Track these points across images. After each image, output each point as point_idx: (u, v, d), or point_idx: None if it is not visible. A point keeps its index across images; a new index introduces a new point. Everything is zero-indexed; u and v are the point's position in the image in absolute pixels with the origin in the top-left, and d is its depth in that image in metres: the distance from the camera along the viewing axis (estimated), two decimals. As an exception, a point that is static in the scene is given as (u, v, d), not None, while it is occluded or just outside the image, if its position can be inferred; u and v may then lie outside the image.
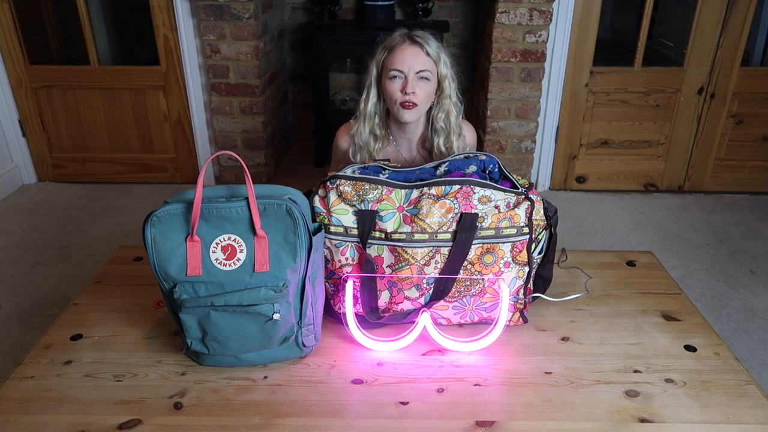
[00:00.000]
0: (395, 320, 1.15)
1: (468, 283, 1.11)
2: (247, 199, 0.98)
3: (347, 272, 1.13)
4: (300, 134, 3.60)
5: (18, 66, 2.93)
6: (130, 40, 3.49)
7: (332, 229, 1.11)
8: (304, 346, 1.08)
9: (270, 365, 1.08)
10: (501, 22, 2.63)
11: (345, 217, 1.11)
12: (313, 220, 1.12)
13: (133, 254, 1.42)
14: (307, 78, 3.45)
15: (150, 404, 0.99)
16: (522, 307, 1.17)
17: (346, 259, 1.13)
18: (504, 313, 1.11)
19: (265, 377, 1.05)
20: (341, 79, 3.46)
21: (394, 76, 1.36)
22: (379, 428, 0.94)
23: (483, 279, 1.11)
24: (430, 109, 1.45)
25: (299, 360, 1.09)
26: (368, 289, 1.13)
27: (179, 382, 1.04)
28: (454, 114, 1.44)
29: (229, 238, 0.99)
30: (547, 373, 1.06)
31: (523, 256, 1.12)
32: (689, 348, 1.12)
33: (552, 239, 1.16)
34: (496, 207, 1.09)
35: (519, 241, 1.10)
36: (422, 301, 1.14)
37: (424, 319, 1.11)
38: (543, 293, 1.24)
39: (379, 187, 1.10)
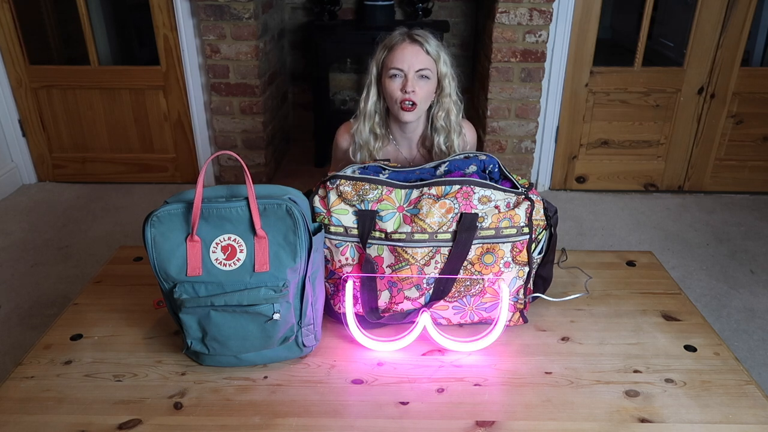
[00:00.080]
0: (395, 320, 1.15)
1: (468, 283, 1.11)
2: (247, 199, 0.98)
3: (347, 272, 1.13)
4: (300, 134, 3.60)
5: (18, 66, 2.94)
6: (130, 40, 3.49)
7: (332, 229, 1.11)
8: (304, 346, 1.08)
9: (270, 365, 1.08)
10: (501, 22, 2.63)
11: (345, 217, 1.11)
12: (313, 220, 1.12)
13: (133, 254, 1.42)
14: (307, 78, 3.45)
15: (150, 404, 0.99)
16: (522, 307, 1.17)
17: (346, 259, 1.13)
18: (504, 313, 1.11)
19: (265, 377, 1.05)
20: (341, 79, 3.46)
21: (394, 75, 1.36)
22: (379, 428, 0.94)
23: (483, 279, 1.11)
24: (431, 107, 1.45)
25: (299, 360, 1.09)
26: (368, 289, 1.13)
27: (179, 382, 1.04)
28: (454, 112, 1.44)
29: (229, 238, 0.99)
30: (547, 373, 1.06)
31: (523, 256, 1.12)
32: (689, 348, 1.12)
33: (552, 239, 1.16)
34: (496, 207, 1.09)
35: (519, 241, 1.10)
36: (422, 301, 1.14)
37: (424, 319, 1.11)
38: (543, 293, 1.24)
39: (379, 187, 1.10)
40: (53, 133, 3.10)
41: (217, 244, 0.99)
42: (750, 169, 3.03)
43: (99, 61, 2.94)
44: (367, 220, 1.09)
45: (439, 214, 1.07)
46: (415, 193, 1.10)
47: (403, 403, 0.99)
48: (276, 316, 0.98)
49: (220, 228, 0.99)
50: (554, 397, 1.00)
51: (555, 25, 2.71)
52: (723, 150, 3.01)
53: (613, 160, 3.04)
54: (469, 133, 1.52)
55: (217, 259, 0.99)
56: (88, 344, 1.13)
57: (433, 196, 1.08)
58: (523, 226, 1.10)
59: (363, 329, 1.13)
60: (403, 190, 1.10)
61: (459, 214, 1.07)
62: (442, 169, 1.15)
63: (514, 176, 1.15)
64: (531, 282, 1.17)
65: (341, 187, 1.10)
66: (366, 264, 1.10)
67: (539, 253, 1.16)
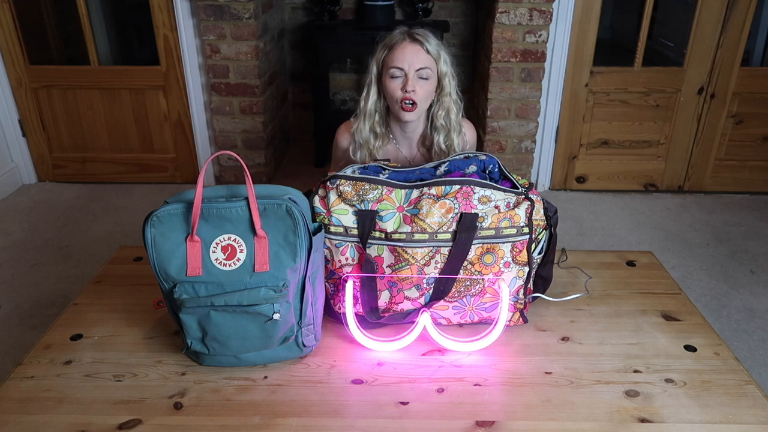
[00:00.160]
0: (395, 320, 1.15)
1: (468, 283, 1.11)
2: (247, 199, 0.98)
3: (347, 272, 1.13)
4: (300, 134, 3.60)
5: (18, 66, 2.94)
6: (130, 40, 3.49)
7: (332, 229, 1.11)
8: (304, 346, 1.08)
9: (270, 365, 1.08)
10: (501, 22, 2.63)
11: (345, 217, 1.11)
12: (313, 220, 1.12)
13: (133, 254, 1.42)
14: (307, 78, 3.45)
15: (150, 404, 0.99)
16: (522, 307, 1.17)
17: (346, 259, 1.13)
18: (504, 313, 1.11)
19: (265, 377, 1.05)
20: (341, 79, 3.46)
21: (395, 75, 1.37)
22: (379, 428, 0.94)
23: (483, 279, 1.11)
24: (431, 106, 1.45)
25: (299, 360, 1.09)
26: (368, 289, 1.13)
27: (179, 382, 1.04)
28: (454, 111, 1.44)
29: (229, 238, 0.99)
30: (547, 373, 1.06)
31: (523, 256, 1.12)
32: (689, 348, 1.12)
33: (552, 239, 1.16)
34: (496, 207, 1.09)
35: (519, 241, 1.10)
36: (422, 301, 1.14)
37: (424, 319, 1.11)
38: (543, 293, 1.24)
39: (379, 187, 1.10)
40: (53, 133, 3.10)
41: (217, 244, 0.99)
42: (750, 169, 3.03)
43: (99, 61, 2.94)
44: (367, 220, 1.09)
45: (439, 214, 1.07)
46: (415, 193, 1.09)
47: (403, 403, 0.99)
48: (276, 316, 0.98)
49: (220, 228, 0.99)
50: (554, 397, 1.00)
51: (555, 25, 2.71)
52: (723, 150, 3.01)
53: (613, 160, 3.04)
54: (469, 132, 1.52)
55: (217, 259, 0.99)
56: (88, 344, 1.13)
57: (433, 196, 1.08)
58: (523, 226, 1.10)
59: (363, 329, 1.13)
60: (403, 190, 1.10)
61: (459, 214, 1.07)
62: (442, 169, 1.15)
63: (514, 176, 1.15)
64: (531, 282, 1.17)
65: (341, 187, 1.10)
66: (366, 264, 1.10)
67: (539, 253, 1.16)
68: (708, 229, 2.72)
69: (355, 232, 1.11)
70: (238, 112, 2.88)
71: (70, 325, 1.18)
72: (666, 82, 2.87)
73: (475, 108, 3.14)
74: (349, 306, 1.12)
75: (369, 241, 1.10)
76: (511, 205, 1.10)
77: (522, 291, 1.15)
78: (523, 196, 1.10)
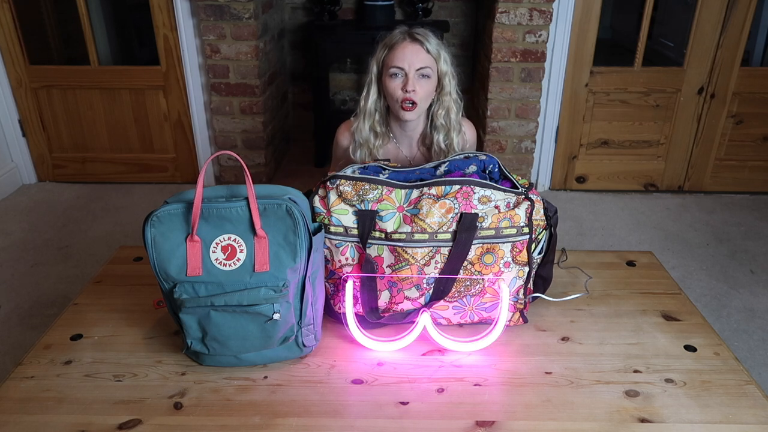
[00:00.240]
0: (395, 320, 1.15)
1: (468, 283, 1.11)
2: (247, 199, 0.98)
3: (347, 272, 1.13)
4: (300, 134, 3.60)
5: (18, 66, 2.94)
6: (130, 40, 3.49)
7: (332, 229, 1.11)
8: (304, 346, 1.08)
9: (270, 365, 1.08)
10: (501, 22, 2.63)
11: (345, 217, 1.11)
12: (313, 220, 1.12)
13: (133, 254, 1.42)
14: (307, 78, 3.45)
15: (150, 404, 0.99)
16: (522, 307, 1.17)
17: (346, 259, 1.13)
18: (504, 313, 1.11)
19: (265, 377, 1.05)
20: (341, 79, 3.46)
21: (395, 74, 1.37)
22: (379, 428, 0.94)
23: (483, 279, 1.11)
24: (431, 106, 1.45)
25: (299, 360, 1.09)
26: (368, 289, 1.13)
27: (179, 382, 1.04)
28: (454, 111, 1.44)
29: (229, 238, 0.99)
30: (547, 373, 1.06)
31: (523, 256, 1.12)
32: (689, 348, 1.12)
33: (552, 239, 1.16)
34: (496, 207, 1.09)
35: (519, 241, 1.10)
36: (422, 301, 1.14)
37: (424, 319, 1.11)
38: (543, 293, 1.24)
39: (379, 187, 1.10)
40: (53, 133, 3.10)
41: (217, 244, 0.99)
42: (750, 169, 3.03)
43: (99, 61, 2.94)
44: (367, 220, 1.09)
45: (439, 214, 1.07)
46: (415, 193, 1.09)
47: (403, 403, 0.99)
48: (276, 316, 0.98)
49: (220, 228, 0.99)
50: (554, 397, 1.00)
51: (555, 25, 2.71)
52: (723, 150, 3.01)
53: (613, 160, 3.04)
54: (469, 131, 1.52)
55: (217, 259, 0.99)
56: (88, 344, 1.13)
57: (433, 196, 1.08)
58: (523, 226, 1.10)
59: (363, 329, 1.13)
60: (403, 190, 1.10)
61: (459, 214, 1.07)
62: (442, 169, 1.15)
63: (514, 176, 1.15)
64: (531, 282, 1.17)
65: (341, 187, 1.10)
66: (366, 264, 1.10)
67: (539, 253, 1.16)
68: (708, 229, 2.72)
69: (355, 232, 1.11)
70: (238, 112, 2.88)
71: (70, 325, 1.18)
72: (666, 82, 2.87)
73: (475, 108, 3.14)
74: (349, 306, 1.12)
75: (369, 241, 1.10)
76: (511, 205, 1.10)
77: (522, 291, 1.15)
78: (523, 196, 1.10)
